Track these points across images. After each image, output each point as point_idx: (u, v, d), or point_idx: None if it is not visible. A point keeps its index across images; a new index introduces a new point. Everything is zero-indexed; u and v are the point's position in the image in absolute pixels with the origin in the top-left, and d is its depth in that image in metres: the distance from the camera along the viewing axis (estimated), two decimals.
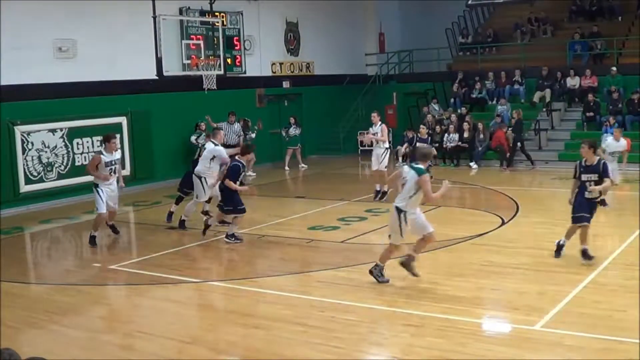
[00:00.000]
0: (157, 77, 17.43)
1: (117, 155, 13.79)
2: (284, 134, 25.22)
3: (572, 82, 26.25)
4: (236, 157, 13.57)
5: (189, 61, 20.18)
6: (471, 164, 24.33)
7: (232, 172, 13.14)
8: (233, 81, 23.05)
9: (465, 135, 24.72)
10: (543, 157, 23.87)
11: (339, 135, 28.23)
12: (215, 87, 19.36)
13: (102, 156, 13.53)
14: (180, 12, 21.82)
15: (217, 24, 19.67)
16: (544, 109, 25.93)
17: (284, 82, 27.22)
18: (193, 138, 21.27)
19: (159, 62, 17.14)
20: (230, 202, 13.10)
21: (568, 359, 7.43)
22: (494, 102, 26.91)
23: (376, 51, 31.57)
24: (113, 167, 13.63)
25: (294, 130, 24.96)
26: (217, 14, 21.15)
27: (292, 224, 15.28)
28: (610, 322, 8.33)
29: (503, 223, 14.31)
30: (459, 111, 26.50)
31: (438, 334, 8.23)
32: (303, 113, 26.75)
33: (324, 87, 28.50)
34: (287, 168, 24.80)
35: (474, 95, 27.70)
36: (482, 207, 16.79)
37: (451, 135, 24.97)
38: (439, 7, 31.58)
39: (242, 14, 23.69)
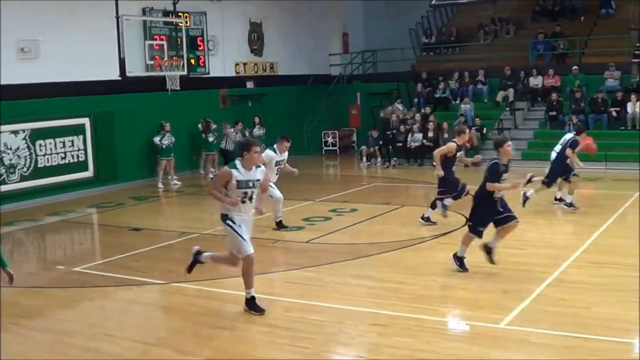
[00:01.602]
0: (120, 78, 17.29)
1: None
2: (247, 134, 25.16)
3: (535, 81, 26.49)
4: None
5: (152, 62, 20.10)
6: (434, 163, 24.40)
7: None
8: (196, 82, 22.97)
9: (430, 134, 24.83)
10: None
11: (304, 136, 28.21)
12: (178, 87, 19.29)
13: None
14: (144, 13, 21.62)
15: (180, 24, 19.64)
16: (507, 109, 26.14)
17: (247, 83, 27.10)
18: (157, 139, 21.14)
19: (122, 62, 17.04)
20: None
21: (533, 358, 7.48)
22: (458, 101, 27.05)
23: (340, 51, 31.60)
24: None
25: (258, 131, 24.86)
26: (180, 14, 21.06)
27: (256, 224, 15.19)
28: (576, 320, 8.40)
29: (467, 221, 14.38)
30: (422, 111, 26.61)
31: (405, 333, 8.25)
32: (267, 113, 26.67)
33: (288, 87, 28.43)
34: None
35: (437, 95, 27.82)
36: None
37: (415, 135, 25.07)
38: (403, 8, 31.73)
39: (205, 14, 23.63)
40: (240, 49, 26.73)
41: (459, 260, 10.58)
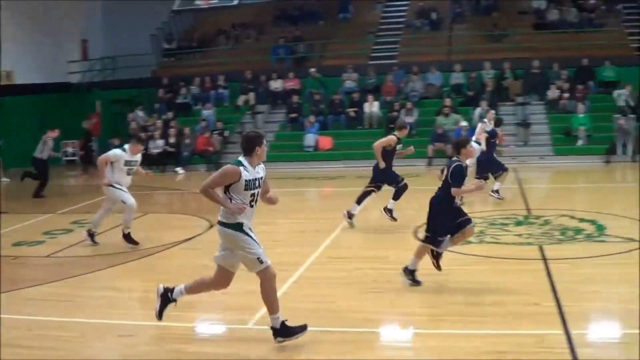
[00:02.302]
0: None
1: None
2: None
3: (276, 84, 27.04)
4: None
5: None
6: (177, 169, 24.30)
7: None
8: None
9: (171, 140, 24.58)
10: None
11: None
12: None
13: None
14: None
15: None
16: (249, 112, 26.46)
17: None
18: None
19: None
20: None
21: (279, 355, 7.50)
22: (200, 106, 26.97)
23: (79, 58, 30.45)
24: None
25: None
26: None
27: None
28: (322, 314, 8.52)
29: (211, 226, 14.31)
30: (164, 117, 26.27)
31: (152, 342, 7.98)
32: (5, 124, 25.09)
33: (26, 96, 26.95)
34: None
35: (179, 101, 27.60)
36: (189, 212, 16.71)
37: (157, 141, 24.69)
38: (143, 13, 31.07)
39: None
40: None
41: (411, 273, 9.62)
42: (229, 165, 7.58)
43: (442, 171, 9.52)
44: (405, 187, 13.71)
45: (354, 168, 22.00)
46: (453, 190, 9.22)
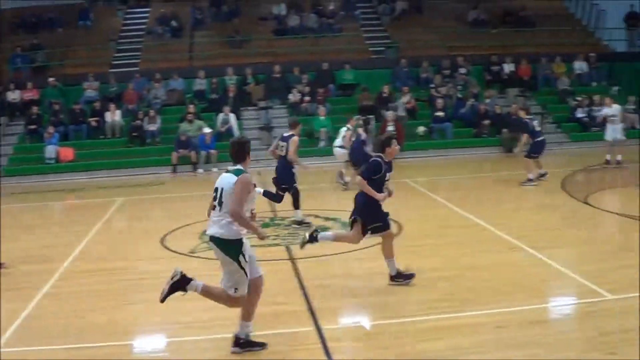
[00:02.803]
0: None
1: None
2: None
3: (13, 95, 25.51)
4: None
5: None
6: None
7: None
8: None
9: None
10: None
11: None
12: None
13: None
14: None
15: None
16: None
17: None
18: None
19: None
20: None
21: None
22: None
23: None
24: None
25: None
26: None
27: None
28: (72, 330, 8.14)
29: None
30: None
31: None
32: None
33: None
34: None
35: None
36: None
37: None
38: None
39: None
40: None
41: (401, 276, 9.33)
42: (245, 177, 7.10)
43: None
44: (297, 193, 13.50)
45: (97, 179, 21.31)
46: (358, 180, 9.39)
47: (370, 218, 9.41)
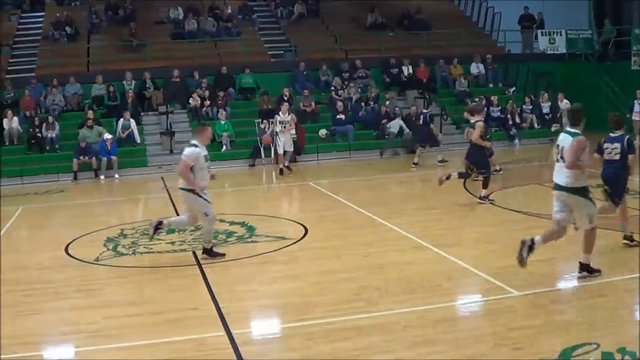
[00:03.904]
0: None
1: None
2: None
3: None
4: None
5: None
6: None
7: None
8: None
9: None
10: None
11: None
12: None
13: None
14: None
15: None
16: None
17: None
18: None
19: None
20: None
21: None
22: None
23: None
24: None
25: None
26: None
27: None
28: None
29: None
30: None
31: None
32: None
33: None
34: None
35: None
36: None
37: None
38: None
39: None
40: None
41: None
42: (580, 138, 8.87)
43: None
44: None
45: None
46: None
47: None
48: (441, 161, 20.94)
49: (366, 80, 27.42)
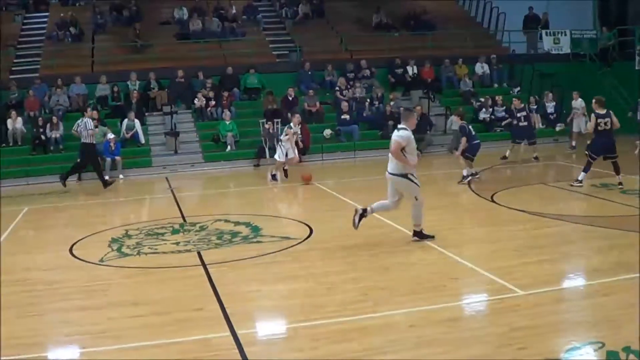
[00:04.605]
0: None
1: None
2: None
3: None
4: None
5: None
6: None
7: None
8: None
9: None
10: None
11: None
12: None
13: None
14: None
15: None
16: None
17: None
18: None
19: None
20: None
21: None
22: None
23: None
24: None
25: None
26: None
27: None
28: None
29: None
30: None
31: None
32: None
33: None
34: None
35: None
36: None
37: None
38: None
39: None
40: None
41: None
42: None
43: None
44: None
45: (3, 188, 20.57)
46: None
47: None
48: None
49: (371, 80, 27.38)
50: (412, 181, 11.40)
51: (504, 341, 7.23)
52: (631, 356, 6.64)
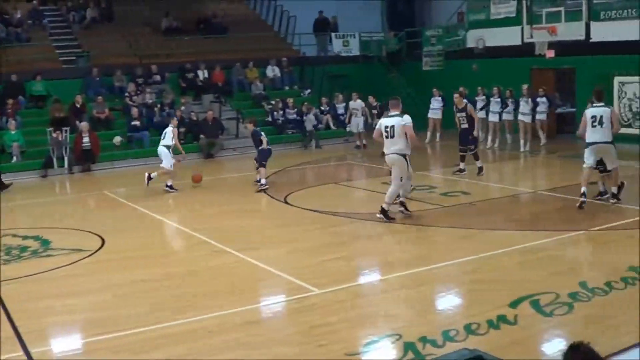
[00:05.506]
0: None
1: None
2: None
3: None
4: None
5: None
6: None
7: None
8: None
9: None
10: None
11: None
12: None
13: None
14: None
15: None
16: None
17: None
18: None
19: None
20: None
21: None
22: None
23: None
24: None
25: None
26: None
27: None
28: None
29: None
30: None
31: None
32: None
33: None
34: None
35: None
36: None
37: None
38: None
39: None
40: None
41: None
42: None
43: None
44: None
45: None
46: None
47: None
48: None
49: (161, 86, 27.05)
50: (408, 163, 12.55)
51: (304, 339, 7.43)
52: (428, 345, 7.02)
